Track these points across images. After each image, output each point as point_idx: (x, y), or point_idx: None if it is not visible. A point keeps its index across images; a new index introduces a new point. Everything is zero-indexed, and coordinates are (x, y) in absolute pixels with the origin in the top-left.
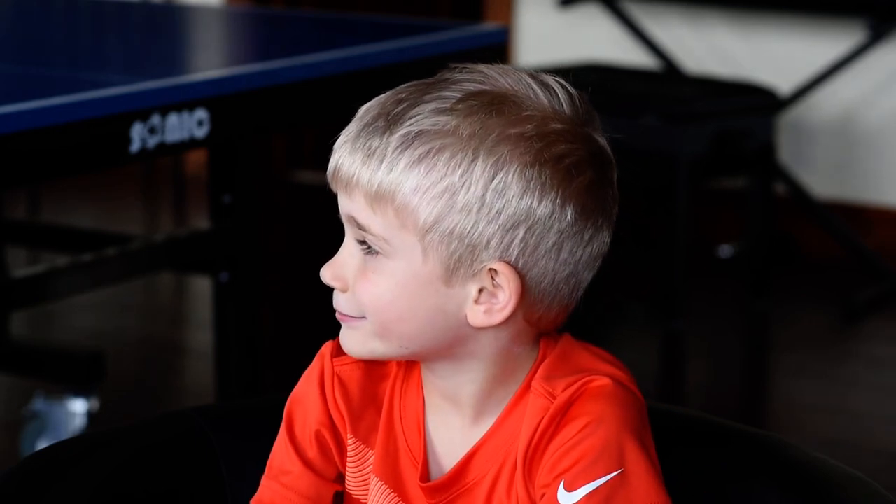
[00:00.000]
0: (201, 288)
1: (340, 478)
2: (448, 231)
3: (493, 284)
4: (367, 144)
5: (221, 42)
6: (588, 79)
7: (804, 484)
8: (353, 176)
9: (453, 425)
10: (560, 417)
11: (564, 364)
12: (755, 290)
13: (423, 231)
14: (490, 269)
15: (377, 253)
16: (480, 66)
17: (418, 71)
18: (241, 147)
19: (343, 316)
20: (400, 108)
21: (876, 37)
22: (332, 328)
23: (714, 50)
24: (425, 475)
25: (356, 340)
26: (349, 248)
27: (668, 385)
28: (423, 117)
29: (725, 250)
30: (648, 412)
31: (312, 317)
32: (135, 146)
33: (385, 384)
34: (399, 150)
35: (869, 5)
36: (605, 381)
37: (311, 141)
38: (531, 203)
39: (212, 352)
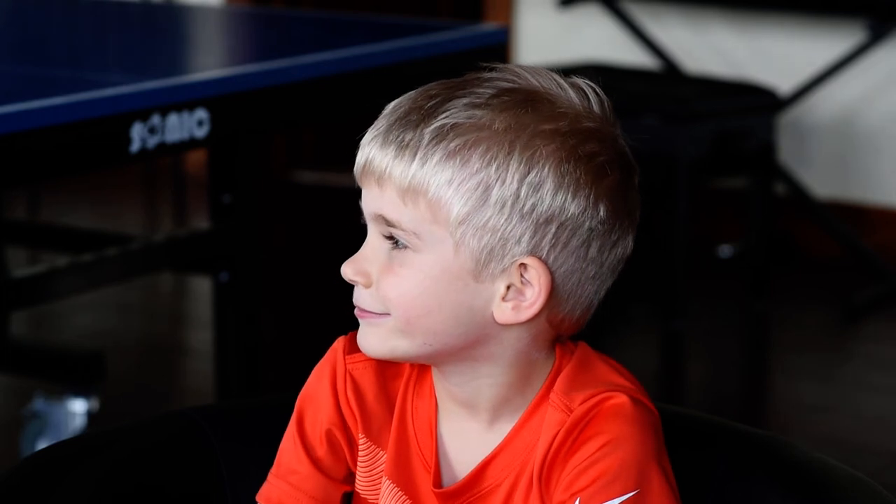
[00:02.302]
0: (201, 288)
1: (350, 477)
2: (481, 224)
3: (521, 281)
4: (400, 138)
5: (221, 42)
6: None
7: (804, 484)
8: (386, 169)
9: (468, 431)
10: (578, 433)
11: (582, 376)
12: (755, 290)
13: (455, 224)
14: (520, 265)
15: (405, 247)
16: (511, 66)
17: (418, 71)
18: (241, 147)
19: (364, 312)
20: (433, 102)
21: (876, 37)
22: (332, 328)
23: (714, 50)
24: (438, 481)
25: (377, 338)
26: (373, 244)
27: (668, 385)
28: (458, 111)
29: (725, 250)
30: None
31: (312, 317)
32: (135, 146)
33: (398, 383)
34: (434, 142)
35: (869, 5)
36: (622, 398)
37: (311, 141)
38: (565, 199)
39: (212, 352)
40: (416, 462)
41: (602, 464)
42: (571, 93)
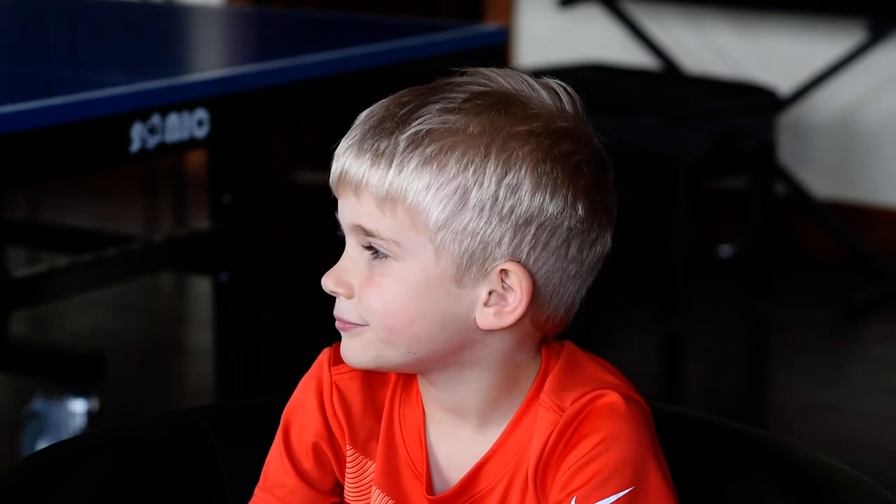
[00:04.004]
0: (201, 288)
1: (337, 489)
2: (461, 229)
3: (502, 287)
4: (375, 146)
5: (221, 42)
6: (588, 79)
7: (804, 484)
8: (362, 178)
9: (457, 437)
10: (572, 432)
11: (571, 375)
12: (755, 290)
13: (435, 230)
14: (501, 270)
15: (385, 257)
16: (481, 69)
17: (418, 71)
18: (241, 147)
19: (345, 324)
20: (406, 109)
21: (876, 37)
22: (332, 328)
23: (714, 50)
24: (430, 488)
25: (360, 349)
26: (351, 255)
27: (668, 385)
28: (431, 117)
29: (725, 250)
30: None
31: (312, 317)
32: (135, 146)
33: (384, 391)
34: (409, 149)
35: (869, 5)
36: (614, 396)
37: (311, 141)
38: (543, 200)
39: (212, 352)
40: (405, 470)
41: (597, 462)
42: (543, 93)
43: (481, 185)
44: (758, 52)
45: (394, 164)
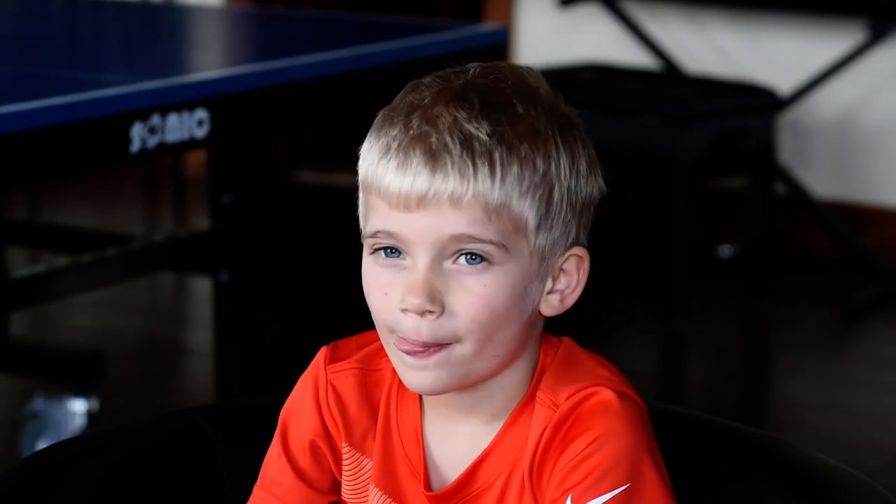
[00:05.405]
0: (201, 288)
1: (335, 487)
2: (549, 226)
3: (560, 271)
4: (462, 156)
5: (221, 42)
6: (588, 79)
7: (804, 484)
8: (467, 190)
9: (455, 434)
10: (566, 430)
11: (567, 372)
12: (755, 290)
13: (533, 230)
14: (570, 256)
15: (481, 262)
16: (481, 64)
17: (418, 71)
18: (241, 147)
19: (433, 347)
20: (470, 113)
21: (876, 37)
22: (332, 328)
23: (714, 50)
24: (427, 485)
25: (445, 372)
26: (434, 269)
27: (668, 385)
28: (502, 118)
29: (725, 250)
30: (649, 412)
31: (312, 317)
32: (135, 146)
33: (380, 390)
34: (503, 154)
35: (869, 5)
36: (608, 393)
37: (311, 141)
38: (591, 183)
39: (212, 352)
40: (402, 468)
41: (592, 459)
42: (543, 82)
43: (559, 179)
44: (758, 52)
45: (497, 172)
